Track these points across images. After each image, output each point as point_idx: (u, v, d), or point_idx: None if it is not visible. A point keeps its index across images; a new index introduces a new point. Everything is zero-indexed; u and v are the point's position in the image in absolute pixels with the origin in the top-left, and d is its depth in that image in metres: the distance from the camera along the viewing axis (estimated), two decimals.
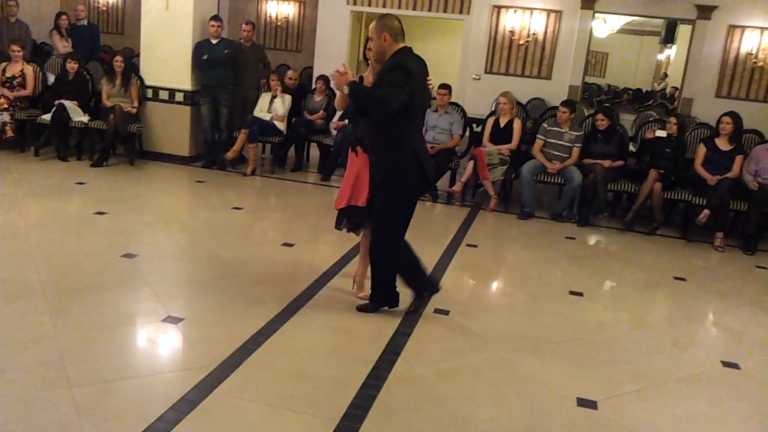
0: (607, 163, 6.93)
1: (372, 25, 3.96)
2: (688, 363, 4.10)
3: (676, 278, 5.59)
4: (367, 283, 4.38)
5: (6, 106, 7.59)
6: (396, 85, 3.70)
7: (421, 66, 3.97)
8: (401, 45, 3.94)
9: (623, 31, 13.30)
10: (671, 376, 3.82)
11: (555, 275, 5.52)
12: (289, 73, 8.64)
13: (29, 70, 8.02)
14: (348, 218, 4.32)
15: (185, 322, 3.87)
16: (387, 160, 3.96)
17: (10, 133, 7.55)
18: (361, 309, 4.27)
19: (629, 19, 12.46)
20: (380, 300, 4.26)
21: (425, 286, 4.32)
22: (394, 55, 3.90)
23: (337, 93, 4.03)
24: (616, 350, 4.11)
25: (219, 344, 3.62)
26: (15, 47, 7.98)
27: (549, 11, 10.45)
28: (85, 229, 5.45)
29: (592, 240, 6.68)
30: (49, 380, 3.13)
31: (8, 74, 7.90)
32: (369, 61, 4.21)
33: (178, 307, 4.09)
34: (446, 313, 4.37)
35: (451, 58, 11.36)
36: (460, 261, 5.49)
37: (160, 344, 3.70)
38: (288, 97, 8.00)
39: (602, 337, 4.29)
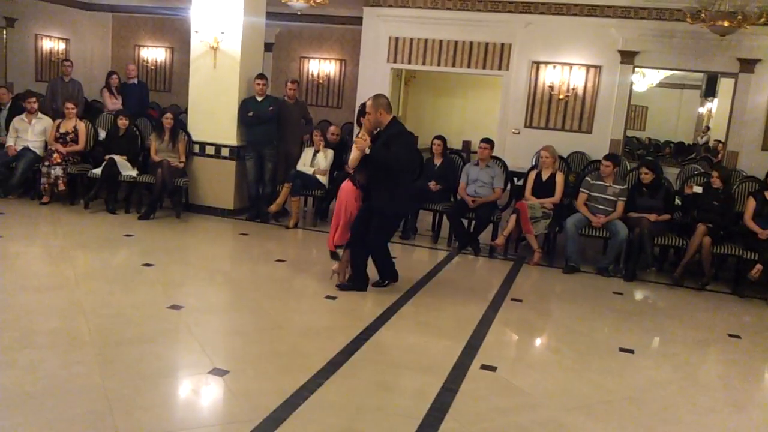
0: (653, 216, 6.81)
1: (369, 103, 5.36)
2: (746, 424, 3.93)
3: (730, 335, 5.40)
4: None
5: (59, 160, 7.84)
6: (406, 148, 5.40)
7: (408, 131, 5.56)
8: (391, 115, 5.40)
9: (662, 84, 13.30)
10: None
11: (603, 331, 5.38)
12: (332, 128, 8.77)
13: (82, 126, 8.31)
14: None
15: (230, 374, 3.85)
16: (384, 196, 5.40)
17: (62, 187, 7.79)
18: (341, 288, 5.61)
19: (669, 73, 12.46)
20: (359, 283, 5.64)
21: (388, 275, 5.81)
22: (390, 123, 5.35)
23: (356, 153, 5.38)
24: (671, 410, 3.96)
25: (264, 397, 3.59)
26: (69, 105, 8.30)
27: (588, 66, 10.52)
28: (132, 281, 5.53)
29: (640, 295, 6.53)
30: (99, 431, 3.13)
31: (62, 130, 8.20)
32: (362, 126, 5.51)
33: (224, 359, 4.08)
34: (493, 369, 4.28)
35: (491, 113, 11.44)
36: (505, 316, 5.39)
37: (206, 397, 3.69)
38: (330, 152, 8.12)
39: (656, 396, 4.14)
